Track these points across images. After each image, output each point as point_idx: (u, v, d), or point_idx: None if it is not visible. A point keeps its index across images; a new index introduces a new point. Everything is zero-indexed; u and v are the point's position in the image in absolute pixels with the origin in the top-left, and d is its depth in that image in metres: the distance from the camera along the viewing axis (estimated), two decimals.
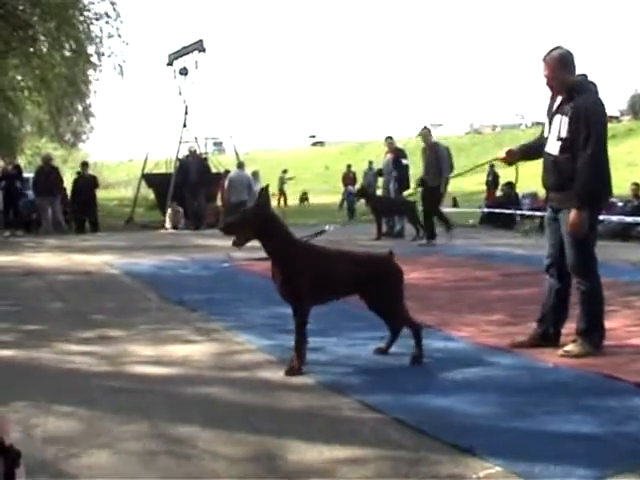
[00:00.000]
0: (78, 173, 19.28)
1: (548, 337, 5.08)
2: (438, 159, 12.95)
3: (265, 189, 4.77)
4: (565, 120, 4.74)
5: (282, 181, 34.08)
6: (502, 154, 5.35)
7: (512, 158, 5.33)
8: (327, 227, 6.53)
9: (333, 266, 4.73)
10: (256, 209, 4.76)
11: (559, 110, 4.83)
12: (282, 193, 33.46)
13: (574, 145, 4.71)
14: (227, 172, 20.96)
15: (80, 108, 30.01)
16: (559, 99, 4.87)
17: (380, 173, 16.51)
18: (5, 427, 1.97)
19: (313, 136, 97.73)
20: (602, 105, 4.84)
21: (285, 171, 34.70)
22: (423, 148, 13.53)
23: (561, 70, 4.78)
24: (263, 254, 4.73)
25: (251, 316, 6.38)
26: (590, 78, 4.88)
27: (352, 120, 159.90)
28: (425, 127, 13.77)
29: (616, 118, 66.99)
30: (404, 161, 15.26)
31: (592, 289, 4.88)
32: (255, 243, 4.65)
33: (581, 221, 4.71)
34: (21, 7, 22.05)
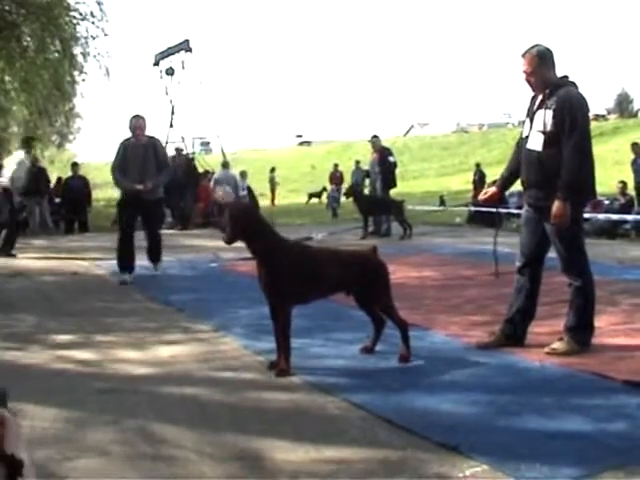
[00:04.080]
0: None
1: (516, 338, 5.06)
2: (158, 157, 9.13)
3: (249, 189, 4.78)
4: (549, 113, 4.70)
5: (273, 181, 34.10)
6: (484, 197, 5.46)
7: (495, 198, 5.37)
8: (315, 235, 6.48)
9: (318, 265, 4.72)
10: (243, 210, 4.73)
11: (542, 105, 4.80)
12: (272, 193, 33.51)
13: (559, 139, 4.65)
14: (207, 172, 20.79)
15: (66, 109, 29.84)
16: (539, 98, 4.87)
17: (368, 174, 16.48)
18: (5, 432, 1.63)
19: (300, 136, 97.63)
20: (585, 98, 4.83)
21: (273, 170, 34.68)
22: (128, 144, 9.03)
23: (540, 66, 4.78)
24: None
25: (238, 316, 6.37)
26: (576, 77, 4.88)
27: (339, 120, 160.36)
28: (138, 115, 9.14)
29: (603, 117, 67.30)
30: (391, 158, 15.28)
31: (585, 286, 4.85)
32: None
33: (565, 212, 4.64)
34: (6, 7, 21.93)
